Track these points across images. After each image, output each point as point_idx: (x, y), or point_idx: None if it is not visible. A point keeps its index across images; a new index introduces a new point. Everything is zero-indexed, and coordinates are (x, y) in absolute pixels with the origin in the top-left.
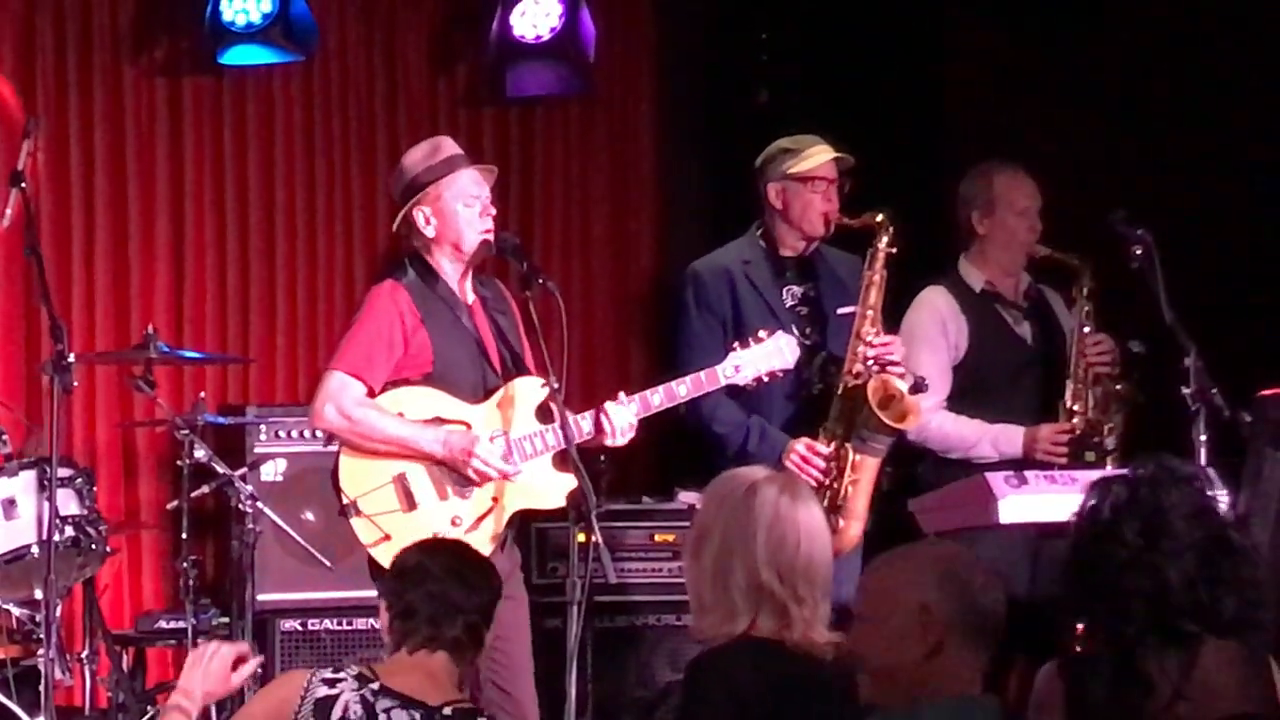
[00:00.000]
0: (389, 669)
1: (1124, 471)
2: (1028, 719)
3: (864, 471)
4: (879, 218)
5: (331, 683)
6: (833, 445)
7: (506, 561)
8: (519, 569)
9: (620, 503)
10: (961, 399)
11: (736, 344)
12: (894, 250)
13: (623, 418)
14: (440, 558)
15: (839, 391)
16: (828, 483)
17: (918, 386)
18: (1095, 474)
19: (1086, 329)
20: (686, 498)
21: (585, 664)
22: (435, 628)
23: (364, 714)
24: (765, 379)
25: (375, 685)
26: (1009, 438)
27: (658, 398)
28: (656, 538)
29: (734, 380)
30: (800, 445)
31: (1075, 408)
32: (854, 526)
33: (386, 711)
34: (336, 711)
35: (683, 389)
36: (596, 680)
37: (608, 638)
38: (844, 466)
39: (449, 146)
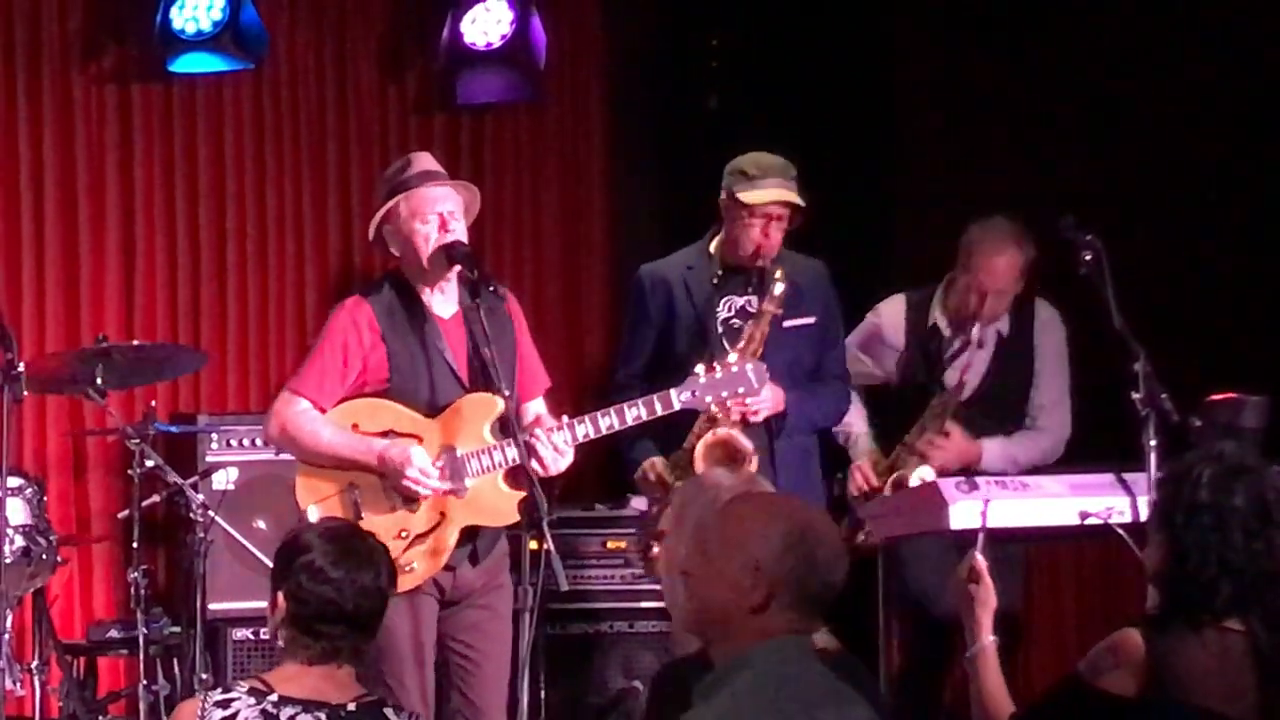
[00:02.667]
0: (279, 676)
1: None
2: (1083, 674)
3: None
4: (778, 275)
5: (225, 704)
6: (668, 483)
7: (479, 577)
8: (505, 582)
9: (572, 509)
10: (874, 414)
11: (700, 367)
12: (780, 311)
13: (544, 449)
14: None
15: (684, 444)
16: (654, 511)
17: (742, 454)
18: (1046, 479)
19: (936, 427)
20: (639, 504)
21: (538, 671)
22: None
23: None
24: (729, 404)
25: (274, 697)
26: (854, 451)
27: (606, 421)
28: (609, 544)
29: (690, 404)
30: (649, 469)
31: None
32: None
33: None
34: None
35: (632, 412)
36: (550, 687)
37: (561, 645)
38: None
39: (418, 163)
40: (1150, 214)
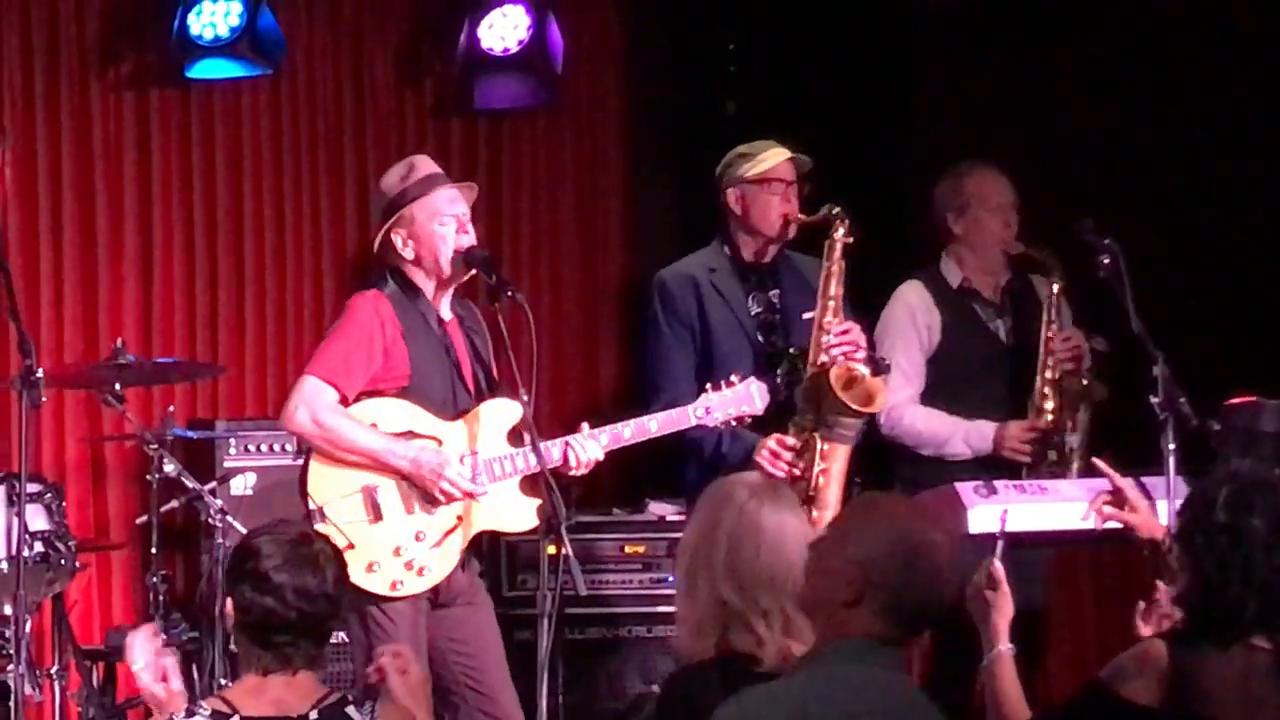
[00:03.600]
0: (240, 691)
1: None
2: (1105, 681)
3: (834, 460)
4: (835, 210)
5: None
6: (802, 436)
7: (466, 578)
8: (478, 578)
9: (590, 514)
10: (935, 392)
11: (709, 385)
12: (850, 240)
13: (592, 450)
14: None
15: (803, 383)
16: (799, 474)
17: (879, 368)
18: (1064, 484)
19: (1056, 325)
20: (657, 509)
21: (556, 676)
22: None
23: None
24: (734, 423)
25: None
26: (981, 434)
27: (629, 431)
28: (627, 549)
29: (704, 421)
30: (770, 441)
31: (1044, 405)
32: (827, 516)
33: None
34: None
35: (654, 425)
36: (567, 692)
37: (578, 649)
38: (814, 457)
39: (424, 165)
40: (1167, 216)
